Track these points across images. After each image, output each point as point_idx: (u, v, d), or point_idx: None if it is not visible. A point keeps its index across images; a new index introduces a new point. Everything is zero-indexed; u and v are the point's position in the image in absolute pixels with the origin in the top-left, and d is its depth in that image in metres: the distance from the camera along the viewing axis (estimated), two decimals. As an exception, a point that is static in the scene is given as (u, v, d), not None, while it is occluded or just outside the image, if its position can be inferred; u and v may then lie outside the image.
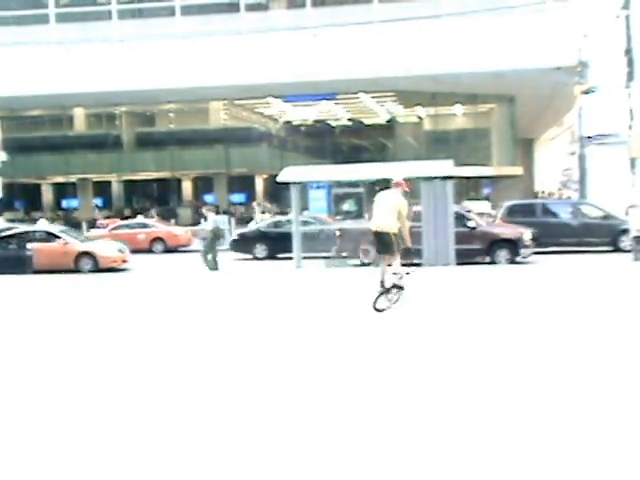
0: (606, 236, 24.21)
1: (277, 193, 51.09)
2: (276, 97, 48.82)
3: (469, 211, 22.58)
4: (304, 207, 32.26)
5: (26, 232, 24.43)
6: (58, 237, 23.60)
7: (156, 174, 55.29)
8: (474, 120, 53.75)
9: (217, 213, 25.67)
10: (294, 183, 21.42)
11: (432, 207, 20.81)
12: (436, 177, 20.80)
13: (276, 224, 26.87)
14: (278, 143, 55.70)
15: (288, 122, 57.70)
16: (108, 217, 47.93)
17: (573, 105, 35.41)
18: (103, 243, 25.15)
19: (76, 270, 22.73)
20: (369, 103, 52.41)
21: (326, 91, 45.27)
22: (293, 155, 53.45)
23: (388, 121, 56.25)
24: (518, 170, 46.32)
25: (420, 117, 54.25)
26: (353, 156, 51.84)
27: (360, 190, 21.82)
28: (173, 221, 41.54)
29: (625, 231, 22.16)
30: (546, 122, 54.28)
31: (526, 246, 21.69)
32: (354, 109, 55.30)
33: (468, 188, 48.95)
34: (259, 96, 47.95)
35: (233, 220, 37.64)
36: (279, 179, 21.47)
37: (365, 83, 40.82)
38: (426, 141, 54.29)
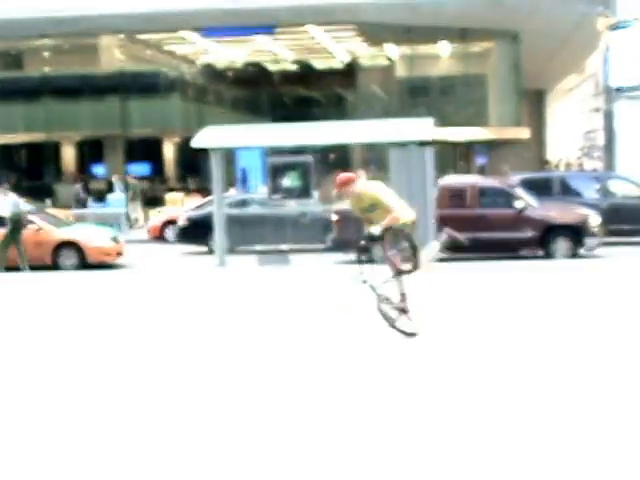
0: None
1: (194, 162, 50.85)
2: (192, 30, 48.51)
3: (514, 185, 22.68)
4: (230, 183, 32.35)
5: None
6: (29, 221, 23.14)
7: (25, 136, 54.52)
8: (464, 64, 53.91)
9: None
10: (215, 149, 21.27)
11: (405, 183, 20.76)
12: (411, 142, 20.82)
13: (241, 204, 26.79)
14: (195, 94, 55.35)
15: (209, 65, 57.34)
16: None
17: (597, 45, 35.79)
18: (90, 229, 24.78)
19: (55, 266, 22.22)
20: (321, 39, 52.40)
21: (262, 22, 45.07)
22: (216, 110, 53.21)
23: (347, 64, 56.31)
24: (524, 132, 46.74)
25: (391, 59, 54.40)
26: (299, 112, 51.74)
27: (307, 159, 21.72)
28: (48, 202, 41.05)
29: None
30: (561, 68, 54.70)
31: (593, 234, 21.85)
32: (300, 48, 55.26)
33: (456, 157, 49.26)
34: (168, 29, 47.56)
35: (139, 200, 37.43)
36: (195, 143, 21.32)
37: (315, 11, 40.83)
38: (399, 92, 54.44)
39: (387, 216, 11.51)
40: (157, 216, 31.98)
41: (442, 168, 22.72)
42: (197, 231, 24.51)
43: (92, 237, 23.30)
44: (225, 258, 21.44)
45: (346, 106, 57.03)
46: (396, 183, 20.81)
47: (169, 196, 38.44)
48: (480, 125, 48.06)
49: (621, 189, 26.16)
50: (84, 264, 22.52)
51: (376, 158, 46.58)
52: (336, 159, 49.08)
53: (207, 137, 21.23)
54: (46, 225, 23.26)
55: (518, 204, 21.85)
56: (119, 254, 23.52)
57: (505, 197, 22.05)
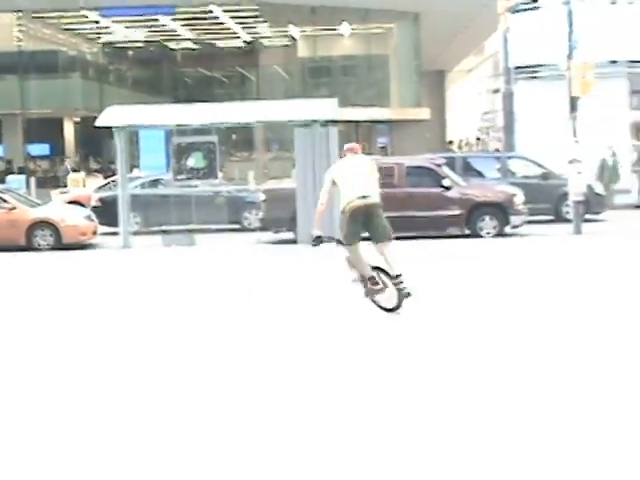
0: (546, 201, 24.82)
1: (95, 143, 50.18)
2: (91, 9, 47.76)
3: (440, 165, 22.74)
4: (133, 163, 32.02)
5: None
6: (1, 200, 22.35)
7: None
8: (366, 44, 54.20)
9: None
10: (120, 129, 21.02)
11: (310, 163, 20.82)
12: (315, 121, 20.83)
13: (152, 184, 26.45)
14: (96, 73, 54.59)
15: (110, 44, 56.54)
16: None
17: (497, 26, 36.16)
18: (64, 208, 24.10)
19: (29, 247, 21.60)
20: (223, 19, 52.04)
21: (163, 1, 44.65)
22: (117, 90, 52.57)
23: (250, 44, 56.06)
24: (424, 113, 47.16)
25: (293, 38, 54.28)
26: (201, 92, 51.48)
27: (212, 139, 21.58)
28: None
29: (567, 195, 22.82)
30: (461, 49, 55.30)
31: (518, 212, 22.01)
32: (202, 28, 54.76)
33: (358, 136, 49.43)
34: (68, 7, 46.78)
35: (33, 182, 36.81)
36: (98, 122, 21.03)
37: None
38: (301, 72, 54.50)
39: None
40: (60, 197, 31.38)
41: (342, 148, 22.71)
42: (109, 212, 23.92)
43: (67, 216, 22.64)
44: (130, 239, 21.22)
45: (248, 86, 56.92)
46: (301, 162, 20.91)
47: (71, 176, 37.77)
48: (381, 105, 48.34)
49: (521, 169, 26.51)
50: (60, 244, 21.82)
51: (279, 138, 46.65)
52: (238, 139, 49.01)
53: (112, 116, 20.96)
54: (19, 204, 22.58)
55: (445, 183, 21.94)
56: (94, 233, 22.97)
57: (432, 176, 22.12)
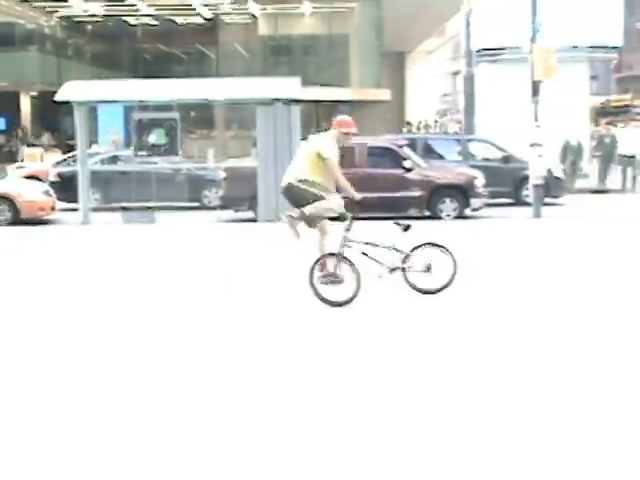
0: (506, 184, 24.94)
1: (52, 118, 49.72)
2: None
3: (402, 146, 22.67)
4: (92, 139, 31.70)
5: None
6: None
7: None
8: (327, 24, 54.06)
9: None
10: (79, 103, 20.77)
11: (272, 142, 20.73)
12: (278, 100, 20.71)
13: (111, 161, 26.17)
14: (53, 47, 54.04)
15: (67, 18, 55.95)
16: None
17: (459, 8, 36.23)
18: (22, 183, 23.67)
19: None
20: (183, -6, 51.68)
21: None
22: (75, 65, 52.07)
23: (209, 20, 55.66)
24: (384, 94, 47.17)
25: (254, 16, 54.03)
26: (160, 68, 51.20)
27: (173, 115, 21.39)
28: None
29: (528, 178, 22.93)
30: (423, 30, 55.26)
31: (478, 194, 22.02)
32: (162, 3, 54.30)
33: (318, 117, 49.37)
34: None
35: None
36: (58, 97, 20.76)
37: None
38: (261, 50, 54.32)
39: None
40: (17, 171, 31.00)
41: (304, 127, 22.64)
42: (68, 187, 23.66)
43: (25, 191, 22.27)
44: (89, 215, 21.02)
45: (208, 64, 56.64)
46: (262, 141, 20.81)
47: (27, 151, 37.42)
48: (342, 85, 48.30)
49: (481, 152, 26.55)
50: (18, 219, 21.47)
51: (238, 117, 46.45)
52: (198, 117, 48.73)
53: (72, 91, 20.69)
54: None
55: (406, 164, 21.90)
56: (53, 209, 22.64)
57: (393, 157, 22.07)
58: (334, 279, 11.25)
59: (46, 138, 47.30)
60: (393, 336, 9.49)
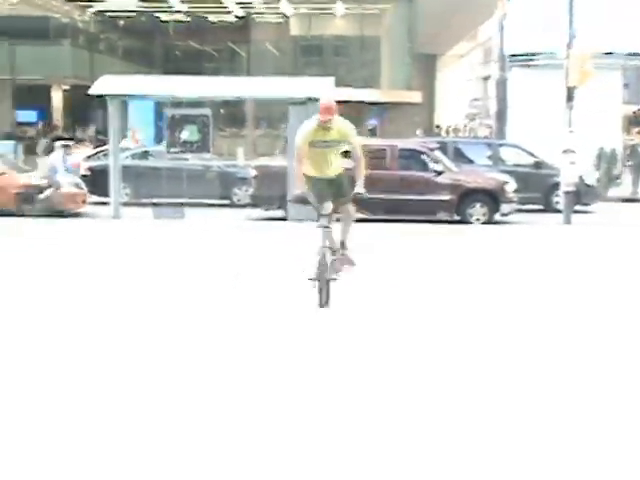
0: (537, 190, 24.81)
1: (83, 112, 49.81)
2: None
3: (433, 149, 22.64)
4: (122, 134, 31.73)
5: None
6: None
7: None
8: (359, 25, 53.97)
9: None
10: (113, 97, 20.81)
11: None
12: (311, 99, 20.66)
13: (142, 156, 26.17)
14: (86, 42, 54.15)
15: (100, 12, 56.11)
16: None
17: (492, 12, 36.06)
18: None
19: (18, 213, 21.14)
20: (216, -8, 51.75)
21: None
22: (107, 59, 52.14)
23: (241, 18, 55.68)
24: (416, 96, 46.95)
25: (286, 15, 54.02)
26: (190, 65, 51.19)
27: (205, 112, 21.41)
28: None
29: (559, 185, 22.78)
30: (455, 33, 55.08)
31: (508, 200, 21.94)
32: (195, 0, 54.41)
33: (348, 118, 49.35)
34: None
35: (20, 148, 36.53)
36: (92, 90, 20.81)
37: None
38: (292, 50, 54.31)
39: (340, 158, 11.19)
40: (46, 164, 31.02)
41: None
42: (98, 181, 23.71)
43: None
44: (120, 210, 21.06)
45: (238, 62, 56.65)
46: (293, 140, 20.73)
47: (59, 144, 37.37)
48: (372, 87, 48.14)
49: (512, 157, 26.41)
50: (48, 211, 21.49)
51: (268, 115, 46.46)
52: (227, 115, 48.75)
53: (106, 85, 20.74)
54: (9, 170, 22.29)
55: (437, 167, 21.86)
56: (84, 202, 22.71)
57: (424, 160, 22.03)
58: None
59: (77, 131, 47.29)
60: (405, 337, 9.43)
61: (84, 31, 55.20)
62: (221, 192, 24.73)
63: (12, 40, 45.10)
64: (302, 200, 10.87)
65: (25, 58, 45.67)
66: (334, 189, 11.07)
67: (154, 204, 21.87)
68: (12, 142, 35.07)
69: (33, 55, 47.06)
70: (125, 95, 21.50)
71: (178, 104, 21.67)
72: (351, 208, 11.36)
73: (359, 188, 10.99)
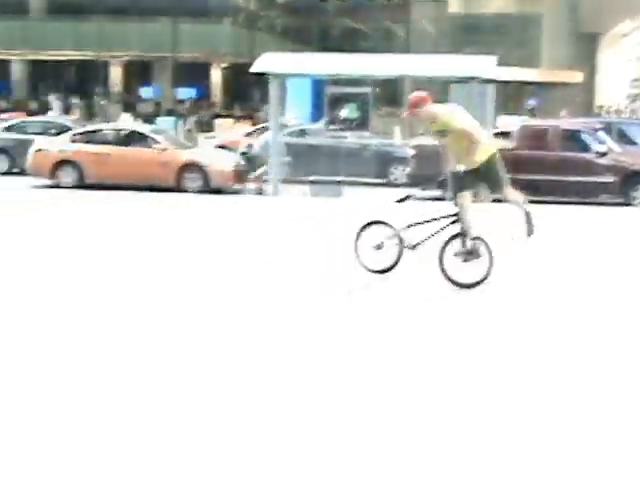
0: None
1: (241, 89, 50.46)
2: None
3: (597, 129, 22.10)
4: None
5: (103, 130, 24.24)
6: (153, 140, 22.69)
7: (75, 54, 54.25)
8: (520, 2, 53.05)
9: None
10: (275, 75, 20.86)
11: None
12: (473, 78, 20.36)
13: (300, 134, 26.20)
14: (246, 20, 54.75)
15: (261, -9, 56.73)
16: (7, 110, 46.96)
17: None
18: (214, 152, 24.60)
19: (177, 188, 21.80)
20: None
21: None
22: (266, 38, 52.59)
23: (400, -2, 55.52)
24: (577, 76, 45.93)
25: (445, -6, 53.57)
26: (347, 44, 51.16)
27: (366, 90, 21.29)
28: (98, 120, 40.85)
29: None
30: (618, 11, 53.59)
31: None
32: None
33: (507, 97, 48.54)
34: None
35: (181, 125, 37.09)
36: (254, 68, 20.91)
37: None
38: (451, 29, 53.72)
39: (461, 143, 10.74)
40: (209, 141, 31.50)
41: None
42: (256, 158, 23.91)
43: (217, 160, 22.75)
44: (279, 187, 21.14)
45: (396, 41, 56.33)
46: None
47: (219, 122, 38.02)
48: (532, 66, 47.31)
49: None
50: (208, 187, 21.96)
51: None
52: (385, 93, 48.58)
53: (268, 63, 20.80)
54: (170, 146, 22.82)
55: (600, 148, 21.20)
56: (242, 179, 23.05)
57: (586, 141, 21.41)
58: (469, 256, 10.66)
59: (235, 109, 47.90)
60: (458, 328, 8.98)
61: (244, 9, 55.76)
62: (378, 171, 24.55)
63: (174, 18, 45.79)
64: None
65: (186, 36, 46.35)
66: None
67: (312, 182, 21.88)
68: (172, 118, 35.64)
69: (194, 33, 47.78)
70: (288, 74, 21.47)
71: (338, 82, 21.59)
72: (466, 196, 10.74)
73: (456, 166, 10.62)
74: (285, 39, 54.60)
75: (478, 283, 10.51)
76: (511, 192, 10.81)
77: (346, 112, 21.14)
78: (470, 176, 10.52)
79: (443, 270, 10.63)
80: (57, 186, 22.41)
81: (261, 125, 29.80)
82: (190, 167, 22.34)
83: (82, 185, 22.20)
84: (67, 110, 40.67)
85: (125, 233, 14.87)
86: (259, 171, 22.26)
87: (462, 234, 10.63)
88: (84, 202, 19.02)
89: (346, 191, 21.31)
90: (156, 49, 49.67)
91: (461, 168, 10.48)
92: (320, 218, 17.21)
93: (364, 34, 59.18)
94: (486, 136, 10.85)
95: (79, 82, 57.45)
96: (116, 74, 57.15)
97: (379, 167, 24.74)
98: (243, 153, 25.26)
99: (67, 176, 22.63)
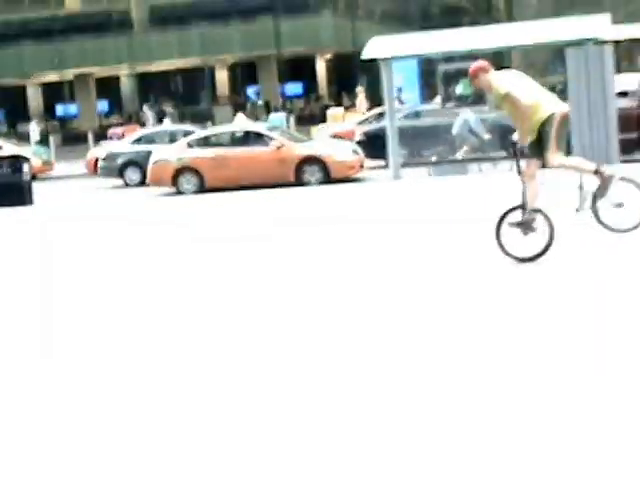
0: None
1: (346, 80, 50.21)
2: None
3: None
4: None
5: (218, 134, 24.40)
6: (269, 138, 22.99)
7: (180, 62, 54.71)
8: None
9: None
10: (386, 59, 20.57)
11: (584, 84, 19.86)
12: (589, 40, 19.75)
13: (415, 116, 25.86)
14: (345, 10, 54.41)
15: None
16: (122, 124, 47.72)
17: None
18: (331, 143, 24.69)
19: (298, 183, 22.02)
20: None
21: None
22: (367, 25, 52.16)
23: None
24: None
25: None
26: (448, 21, 50.28)
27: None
28: (209, 125, 41.16)
29: None
30: None
31: None
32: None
33: (618, 57, 47.28)
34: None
35: (292, 119, 37.14)
36: (365, 55, 20.67)
37: None
38: (552, -5, 52.42)
39: (513, 110, 10.27)
40: (323, 132, 31.37)
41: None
42: (374, 145, 23.74)
43: (335, 151, 22.73)
44: (400, 171, 20.84)
45: (496, 15, 55.29)
46: (574, 85, 19.88)
47: (331, 112, 37.84)
48: (640, 22, 45.87)
49: None
50: (328, 179, 21.95)
51: (534, 63, 45.11)
52: (494, 65, 47.84)
53: (378, 47, 20.52)
54: (287, 142, 22.85)
55: None
56: (362, 167, 22.96)
57: None
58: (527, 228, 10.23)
59: (343, 99, 47.64)
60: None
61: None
62: (501, 144, 24.02)
63: (274, 16, 45.82)
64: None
65: (288, 32, 46.33)
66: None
67: (434, 162, 21.54)
68: (283, 114, 35.62)
69: (295, 28, 47.75)
70: (398, 56, 21.13)
71: (450, 59, 21.20)
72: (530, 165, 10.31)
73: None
74: (385, 24, 54.11)
75: (534, 258, 10.14)
76: (556, 158, 10.17)
77: (460, 89, 20.73)
78: (533, 144, 10.12)
79: (500, 243, 10.25)
80: (179, 193, 22.60)
81: (373, 112, 29.55)
82: (309, 161, 22.28)
83: (203, 190, 22.32)
84: (161, 118, 40.98)
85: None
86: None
87: (522, 206, 10.26)
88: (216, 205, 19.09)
89: (471, 168, 20.99)
90: (259, 48, 49.82)
91: (515, 138, 10.33)
92: (445, 197, 16.89)
93: (464, 9, 58.32)
94: (547, 100, 10.23)
95: (187, 89, 58.08)
96: (222, 77, 57.53)
97: (501, 140, 24.21)
98: (358, 142, 25.05)
99: (188, 183, 22.80)
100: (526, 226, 10.22)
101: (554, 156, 10.13)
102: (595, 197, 10.56)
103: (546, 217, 10.11)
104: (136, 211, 19.44)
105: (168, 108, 42.34)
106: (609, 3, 48.21)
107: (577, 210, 10.83)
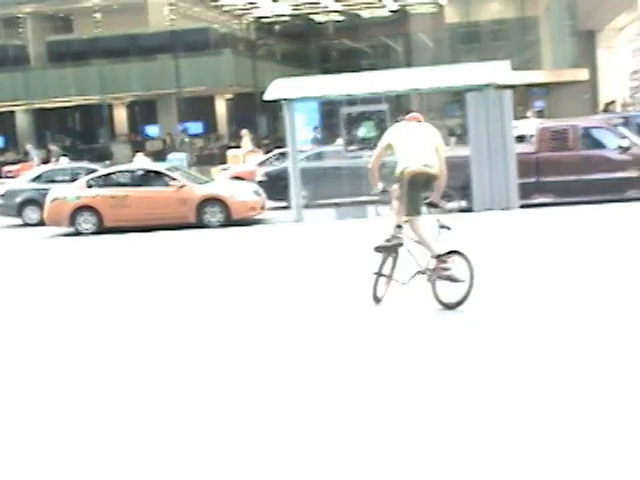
0: None
1: (246, 120, 50.09)
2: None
3: (617, 124, 21.63)
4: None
5: (118, 172, 23.63)
6: (170, 177, 22.32)
7: (78, 99, 53.97)
8: (516, 6, 52.65)
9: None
10: (288, 101, 20.46)
11: (483, 128, 20.08)
12: (490, 85, 20.00)
13: (317, 157, 25.70)
14: (245, 49, 54.49)
15: (257, 19, 56.43)
16: (19, 161, 46.61)
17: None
18: (232, 184, 24.30)
19: (198, 224, 21.46)
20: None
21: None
22: (267, 65, 52.29)
23: (394, 12, 55.11)
24: (582, 74, 45.43)
25: (440, 5, 53.09)
26: (347, 64, 50.84)
27: (382, 108, 20.87)
28: (108, 163, 40.53)
29: None
30: (614, 6, 53.08)
31: None
32: (347, -2, 54.18)
33: (513, 101, 48.19)
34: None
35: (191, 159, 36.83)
36: (267, 95, 20.53)
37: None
38: (449, 39, 53.31)
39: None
40: (222, 174, 31.13)
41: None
42: (275, 186, 23.55)
43: (236, 192, 22.33)
44: (302, 213, 20.68)
45: (394, 57, 56.15)
46: (474, 129, 20.04)
47: (230, 153, 37.61)
48: (535, 68, 46.90)
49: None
50: (229, 220, 21.52)
51: (431, 106, 45.64)
52: (394, 109, 48.25)
53: (280, 89, 20.41)
54: (188, 182, 22.39)
55: (623, 143, 20.65)
56: (263, 208, 22.61)
57: (608, 137, 20.90)
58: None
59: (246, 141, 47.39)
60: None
61: (242, 39, 55.63)
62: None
63: (174, 54, 45.61)
64: None
65: (188, 71, 46.15)
66: None
67: (336, 204, 21.44)
68: (184, 154, 35.29)
69: (195, 67, 47.56)
70: (301, 98, 21.04)
71: (353, 102, 21.17)
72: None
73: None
74: (285, 64, 54.32)
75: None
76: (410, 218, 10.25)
77: (363, 131, 20.72)
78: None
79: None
80: (77, 233, 22.05)
81: (273, 152, 29.46)
82: (210, 201, 21.95)
83: (102, 230, 21.82)
84: (46, 159, 40.14)
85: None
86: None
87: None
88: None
89: (371, 211, 20.93)
90: (159, 87, 49.42)
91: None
92: (347, 239, 16.80)
93: (363, 52, 59.02)
94: (409, 157, 10.22)
95: (85, 126, 57.38)
96: (121, 115, 56.94)
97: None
98: (260, 182, 24.82)
99: (86, 222, 22.25)
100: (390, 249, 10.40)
101: (408, 215, 10.24)
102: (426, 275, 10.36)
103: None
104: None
105: (54, 147, 41.35)
106: (504, 50, 49.20)
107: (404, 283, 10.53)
